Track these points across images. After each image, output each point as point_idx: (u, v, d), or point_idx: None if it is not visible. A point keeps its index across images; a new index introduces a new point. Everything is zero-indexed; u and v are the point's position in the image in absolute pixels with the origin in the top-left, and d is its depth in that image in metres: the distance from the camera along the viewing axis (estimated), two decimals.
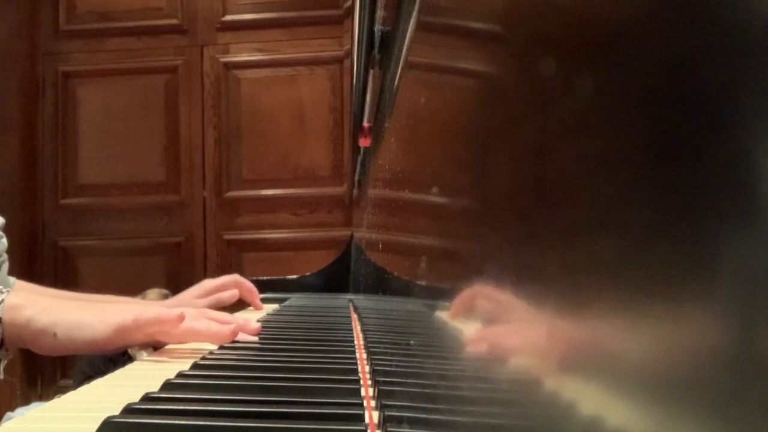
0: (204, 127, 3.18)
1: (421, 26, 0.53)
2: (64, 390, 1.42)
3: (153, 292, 2.26)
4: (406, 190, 0.60)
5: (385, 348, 0.73)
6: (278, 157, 3.14)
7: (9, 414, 1.85)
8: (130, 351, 1.77)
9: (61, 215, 3.21)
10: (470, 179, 0.34)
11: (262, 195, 3.15)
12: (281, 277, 2.07)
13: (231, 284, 1.45)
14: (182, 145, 3.18)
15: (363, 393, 0.64)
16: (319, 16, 3.12)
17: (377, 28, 0.89)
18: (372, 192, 1.14)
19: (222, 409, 0.56)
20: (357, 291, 1.67)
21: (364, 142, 1.27)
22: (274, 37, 3.17)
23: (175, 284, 2.74)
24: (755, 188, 0.11)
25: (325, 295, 2.01)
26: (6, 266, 1.13)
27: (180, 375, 0.70)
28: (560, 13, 0.21)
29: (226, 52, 3.20)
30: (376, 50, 0.90)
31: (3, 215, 1.17)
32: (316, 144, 3.14)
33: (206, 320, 0.96)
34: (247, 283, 1.51)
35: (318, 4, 3.12)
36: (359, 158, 1.63)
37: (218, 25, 3.21)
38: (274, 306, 1.65)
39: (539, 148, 0.23)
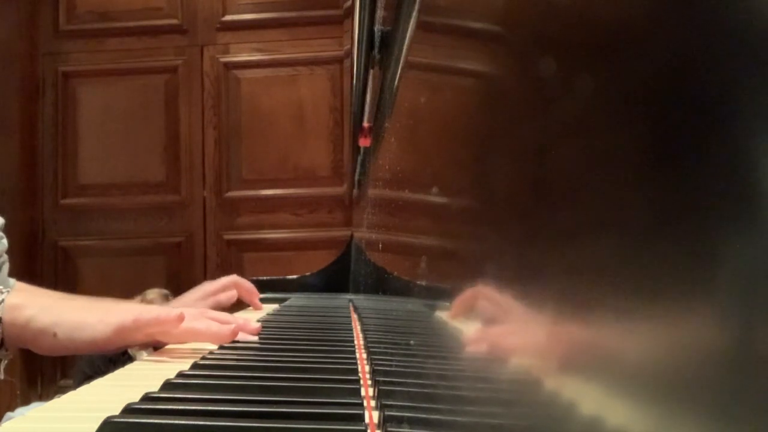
0: (204, 127, 3.18)
1: (421, 26, 0.53)
2: (64, 390, 1.42)
3: (153, 292, 2.26)
4: (406, 190, 0.60)
5: (385, 348, 0.73)
6: (278, 157, 3.14)
7: (9, 414, 1.85)
8: (130, 351, 1.77)
9: (61, 215, 3.21)
10: (470, 179, 0.34)
11: (262, 195, 3.15)
12: (281, 277, 2.07)
13: (230, 285, 1.46)
14: (182, 145, 3.18)
15: (363, 393, 0.64)
16: (319, 16, 3.12)
17: (377, 28, 0.89)
18: (372, 192, 1.14)
19: (222, 409, 0.56)
20: (357, 291, 1.67)
21: (364, 142, 1.27)
22: (274, 37, 3.17)
23: (175, 284, 2.75)
24: (755, 188, 0.11)
25: (325, 295, 2.01)
26: (6, 267, 1.13)
27: (180, 375, 0.70)
28: (560, 13, 0.21)
29: (226, 52, 3.20)
30: (376, 50, 0.90)
31: (3, 215, 1.17)
32: (316, 144, 3.14)
33: (206, 320, 0.96)
34: (247, 284, 1.51)
35: (318, 4, 3.12)
36: (359, 158, 1.63)
37: (218, 25, 3.21)
38: (274, 306, 1.65)
39: (539, 148, 0.23)
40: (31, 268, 3.05)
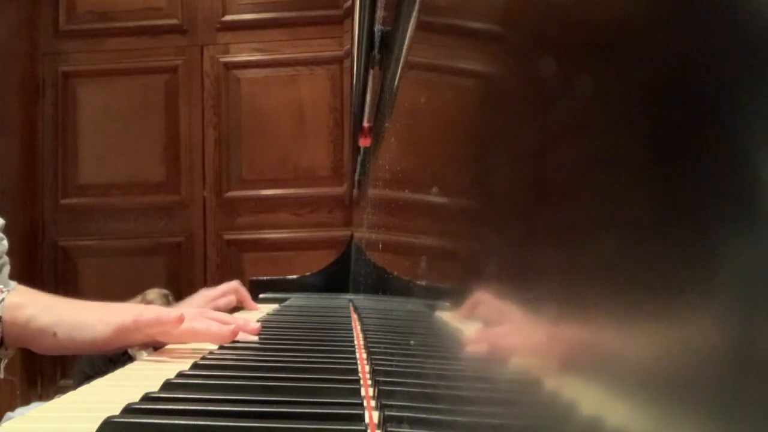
0: (204, 127, 3.18)
1: (421, 26, 0.53)
2: (64, 390, 1.42)
3: (153, 292, 2.26)
4: (406, 190, 0.60)
5: (385, 348, 0.73)
6: (278, 157, 3.14)
7: (9, 414, 1.85)
8: (130, 351, 1.77)
9: (61, 215, 3.21)
10: (470, 179, 0.34)
11: (262, 195, 3.15)
12: (281, 277, 2.07)
13: (231, 291, 1.53)
14: (182, 145, 3.18)
15: (363, 393, 0.64)
16: (319, 16, 3.12)
17: (377, 28, 0.89)
18: (372, 192, 1.14)
19: (222, 409, 0.56)
20: (357, 291, 1.67)
21: (364, 142, 1.27)
22: (274, 37, 3.17)
23: (175, 284, 2.75)
24: (755, 188, 0.11)
25: (325, 295, 2.01)
26: (7, 269, 1.13)
27: (180, 375, 0.70)
28: (560, 13, 0.21)
29: (226, 52, 3.20)
30: (376, 50, 0.90)
31: (3, 216, 1.17)
32: (316, 144, 3.14)
33: (206, 320, 0.97)
34: (244, 291, 1.58)
35: (318, 4, 3.12)
36: (359, 158, 1.63)
37: (218, 25, 3.21)
38: (274, 306, 1.65)
39: (539, 148, 0.23)
40: (31, 268, 3.05)
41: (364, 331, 1.06)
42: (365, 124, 1.23)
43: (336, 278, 2.08)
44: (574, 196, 0.19)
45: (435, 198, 0.43)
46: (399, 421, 0.47)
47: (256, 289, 1.95)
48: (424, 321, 0.46)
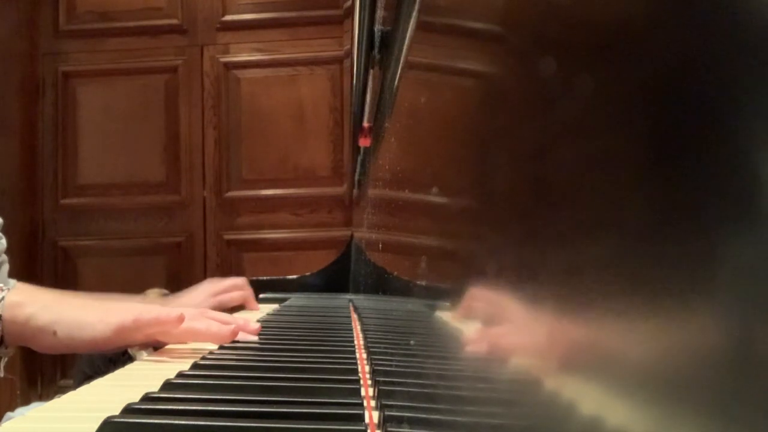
0: (204, 127, 3.18)
1: (421, 26, 0.53)
2: (64, 390, 1.41)
3: (153, 292, 2.26)
4: (406, 190, 0.60)
5: (385, 348, 0.73)
6: (278, 157, 3.14)
7: (9, 414, 1.85)
8: (130, 351, 1.77)
9: (61, 215, 3.21)
10: (470, 179, 0.34)
11: (262, 195, 3.15)
12: (281, 277, 2.07)
13: (239, 287, 1.53)
14: (182, 145, 3.18)
15: (363, 393, 0.64)
16: (319, 16, 3.12)
17: (377, 28, 0.89)
18: (372, 192, 1.14)
19: (222, 409, 0.56)
20: (357, 291, 1.67)
21: (364, 142, 1.27)
22: (274, 37, 3.17)
23: (175, 284, 2.74)
24: (755, 188, 0.11)
25: (325, 295, 2.01)
26: (6, 267, 1.13)
27: (180, 375, 0.70)
28: (560, 13, 0.21)
29: (226, 52, 3.20)
30: (376, 50, 0.90)
31: (3, 215, 1.17)
32: (316, 144, 3.14)
33: (206, 320, 0.97)
34: (250, 291, 1.57)
35: (318, 4, 3.12)
36: (359, 158, 1.63)
37: (218, 25, 3.21)
38: (274, 306, 1.65)
39: (539, 148, 0.23)
40: (31, 268, 3.05)
41: (364, 331, 1.06)
42: (365, 124, 1.23)
43: (336, 278, 2.08)
44: (574, 196, 0.19)
45: (435, 198, 0.43)
46: (399, 421, 0.47)
47: (256, 289, 1.95)
48: (424, 321, 0.46)
